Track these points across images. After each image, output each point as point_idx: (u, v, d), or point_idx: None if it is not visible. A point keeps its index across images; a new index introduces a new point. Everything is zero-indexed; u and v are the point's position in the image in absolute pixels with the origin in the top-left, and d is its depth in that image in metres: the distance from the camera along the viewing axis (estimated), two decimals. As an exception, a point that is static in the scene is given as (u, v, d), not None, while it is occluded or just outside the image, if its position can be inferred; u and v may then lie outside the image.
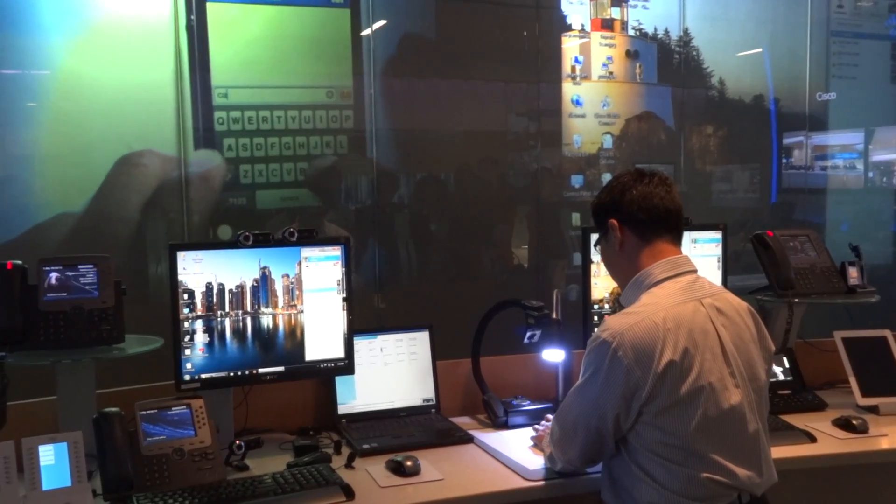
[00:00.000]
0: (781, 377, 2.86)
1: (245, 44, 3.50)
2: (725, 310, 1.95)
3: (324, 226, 3.56)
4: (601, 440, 1.93)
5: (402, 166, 3.95)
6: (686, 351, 1.83)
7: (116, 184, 3.33)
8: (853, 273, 3.00)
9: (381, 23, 3.75)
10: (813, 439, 2.46)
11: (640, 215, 2.00)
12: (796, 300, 2.89)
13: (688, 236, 2.78)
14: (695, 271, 2.01)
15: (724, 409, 1.84)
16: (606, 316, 2.03)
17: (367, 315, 3.50)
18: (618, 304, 2.14)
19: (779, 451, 2.30)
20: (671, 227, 2.02)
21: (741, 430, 1.88)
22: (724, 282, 2.84)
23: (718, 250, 2.86)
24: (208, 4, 3.40)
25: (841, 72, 4.71)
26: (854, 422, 2.54)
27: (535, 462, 2.24)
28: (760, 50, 4.52)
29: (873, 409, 2.71)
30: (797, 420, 2.60)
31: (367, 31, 3.72)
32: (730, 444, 1.85)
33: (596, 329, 1.94)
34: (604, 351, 1.85)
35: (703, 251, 2.83)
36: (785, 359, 2.89)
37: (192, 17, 3.37)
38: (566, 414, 2.00)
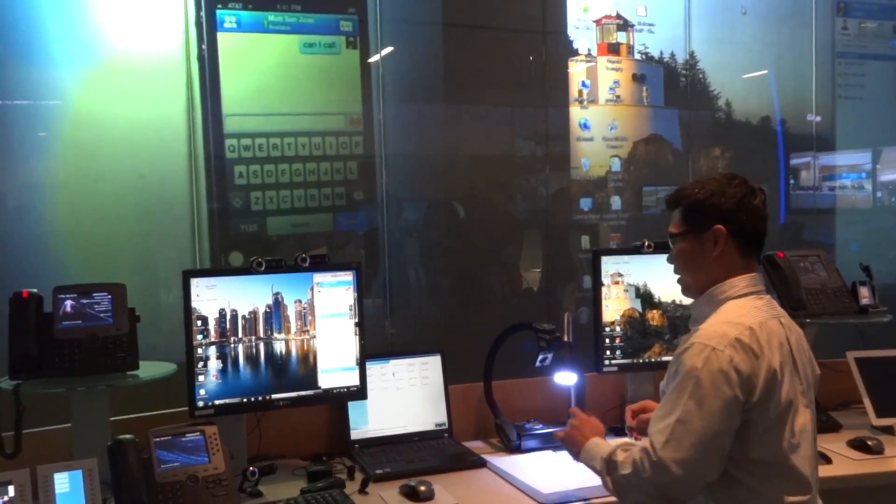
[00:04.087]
0: (795, 398, 2.84)
1: (255, 72, 3.53)
2: (794, 330, 1.96)
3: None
4: (723, 451, 1.82)
5: (412, 191, 3.97)
6: (781, 365, 1.84)
7: (129, 211, 3.36)
8: (864, 293, 2.99)
9: (389, 49, 3.78)
10: (828, 461, 2.45)
11: (750, 232, 1.95)
12: (808, 320, 2.88)
13: (698, 258, 2.80)
14: (767, 294, 2.00)
15: (803, 427, 1.86)
16: (701, 325, 1.88)
17: (377, 340, 3.50)
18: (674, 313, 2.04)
19: (794, 473, 2.31)
20: (763, 244, 2.00)
21: (813, 448, 1.90)
22: (736, 303, 2.84)
23: (729, 271, 2.86)
24: (219, 34, 3.44)
25: (847, 92, 4.72)
26: (869, 442, 2.53)
27: (548, 486, 2.23)
28: (766, 72, 4.54)
29: (888, 430, 2.70)
30: (811, 441, 2.58)
31: (375, 58, 3.75)
32: (809, 462, 1.87)
33: (693, 336, 1.86)
34: (714, 360, 1.79)
35: (713, 272, 2.82)
36: (798, 380, 2.88)
37: (204, 46, 3.42)
38: (688, 423, 1.79)
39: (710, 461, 1.79)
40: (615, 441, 1.98)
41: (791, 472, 1.83)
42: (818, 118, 4.65)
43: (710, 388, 1.78)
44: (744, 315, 1.87)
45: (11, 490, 1.90)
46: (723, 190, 1.95)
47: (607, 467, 1.90)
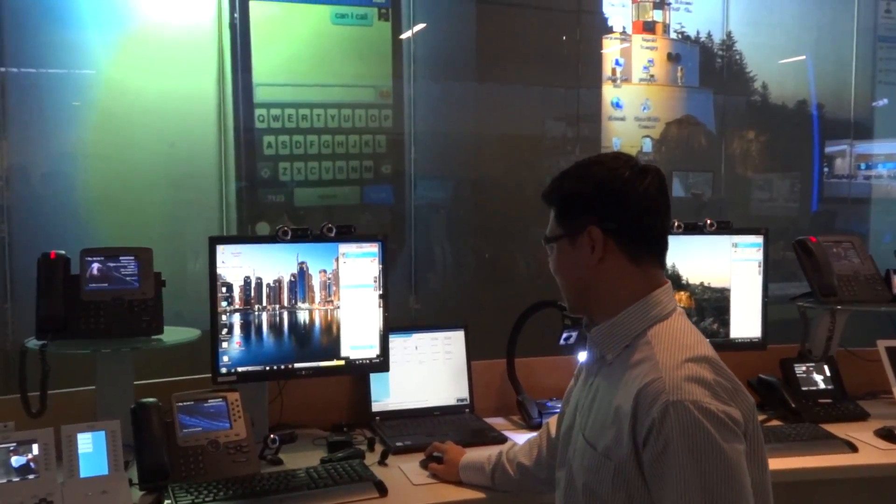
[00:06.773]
0: (822, 386, 2.80)
1: (286, 42, 3.53)
2: None
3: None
4: None
5: (440, 168, 3.96)
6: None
7: (158, 180, 3.38)
8: (898, 282, 2.93)
9: (421, 26, 3.76)
10: (854, 449, 2.41)
11: (638, 229, 1.53)
12: (839, 307, 2.84)
13: (728, 240, 2.76)
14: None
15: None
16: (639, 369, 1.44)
17: (401, 316, 3.50)
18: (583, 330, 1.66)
19: (818, 460, 2.30)
20: (665, 247, 1.57)
21: None
22: (766, 288, 2.80)
23: (759, 255, 2.81)
24: (251, 3, 3.44)
25: (888, 78, 4.62)
26: (897, 432, 2.49)
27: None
28: (804, 57, 4.46)
29: (917, 421, 2.65)
30: (838, 429, 2.54)
31: (407, 34, 3.73)
32: None
33: (663, 388, 1.39)
34: (718, 421, 1.36)
35: (743, 255, 2.78)
36: (826, 367, 2.83)
37: (236, 15, 3.41)
38: None
39: None
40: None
41: None
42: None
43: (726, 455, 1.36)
44: (699, 340, 1.49)
45: (35, 448, 1.92)
46: (596, 176, 1.54)
47: None
